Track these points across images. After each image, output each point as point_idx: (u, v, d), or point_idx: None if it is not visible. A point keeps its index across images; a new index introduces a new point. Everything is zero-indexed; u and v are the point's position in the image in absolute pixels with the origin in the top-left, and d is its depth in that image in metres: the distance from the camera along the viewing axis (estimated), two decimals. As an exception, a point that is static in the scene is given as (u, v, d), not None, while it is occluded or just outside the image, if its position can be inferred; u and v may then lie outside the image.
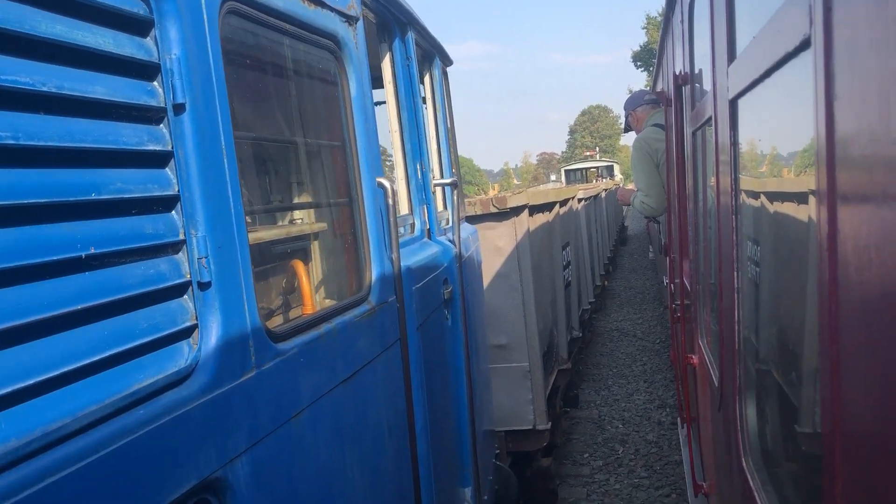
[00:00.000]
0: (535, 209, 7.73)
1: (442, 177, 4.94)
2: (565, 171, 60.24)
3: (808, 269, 1.57)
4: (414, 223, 4.02)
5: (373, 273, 2.84)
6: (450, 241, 4.36)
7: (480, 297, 5.47)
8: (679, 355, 5.45)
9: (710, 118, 2.80)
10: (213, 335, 1.77)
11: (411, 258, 3.52)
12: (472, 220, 7.03)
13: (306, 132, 3.15)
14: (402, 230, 3.94)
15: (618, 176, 55.57)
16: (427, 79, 4.89)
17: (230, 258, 1.84)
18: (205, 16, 1.85)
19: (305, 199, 3.18)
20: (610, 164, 60.76)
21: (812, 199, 1.39)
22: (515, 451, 7.21)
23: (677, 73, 4.33)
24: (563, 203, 10.02)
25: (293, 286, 2.78)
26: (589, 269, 13.32)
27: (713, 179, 2.83)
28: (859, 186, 1.05)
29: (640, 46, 66.00)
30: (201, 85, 1.80)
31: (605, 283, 17.95)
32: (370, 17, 3.81)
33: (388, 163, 3.86)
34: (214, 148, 1.83)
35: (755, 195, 2.32)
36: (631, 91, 64.05)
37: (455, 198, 4.26)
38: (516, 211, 7.07)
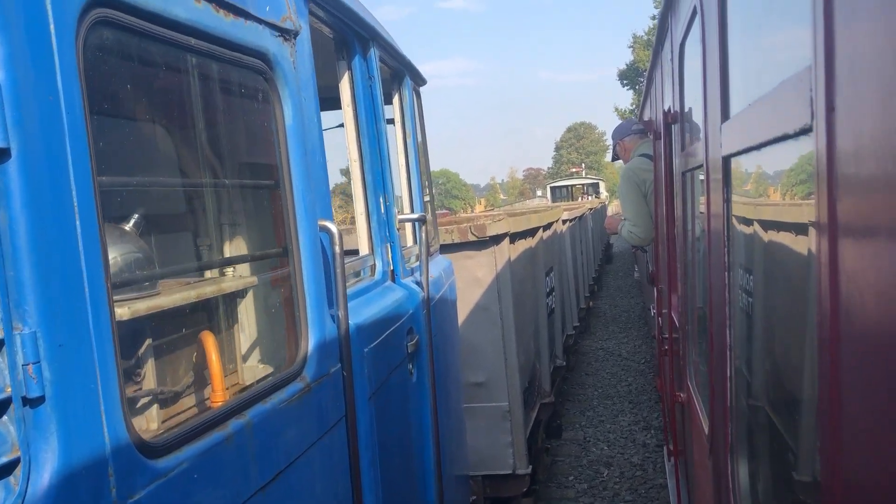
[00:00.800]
0: (516, 236, 7.26)
1: (412, 207, 4.44)
2: (551, 188, 59.79)
3: (805, 322, 1.53)
4: (375, 265, 3.52)
5: (310, 340, 2.33)
6: (417, 283, 3.85)
7: (454, 337, 4.96)
8: (666, 389, 5.39)
9: (701, 165, 2.76)
10: (46, 469, 1.25)
11: (367, 311, 3.02)
12: (450, 248, 6.54)
13: (222, 171, 2.64)
14: (361, 273, 3.44)
15: (603, 193, 55.24)
16: (396, 99, 4.40)
17: (80, 357, 1.33)
18: (51, 26, 1.35)
19: (219, 253, 2.66)
20: (595, 181, 60.41)
21: (813, 262, 1.32)
22: (493, 496, 6.69)
23: (667, 109, 4.34)
24: (547, 227, 9.56)
25: (197, 369, 2.26)
26: (573, 293, 12.86)
27: (705, 229, 2.77)
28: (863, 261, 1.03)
29: (627, 65, 66.22)
30: (40, 121, 1.30)
31: (591, 304, 17.53)
32: (325, 31, 3.32)
33: (342, 197, 3.34)
34: (60, 204, 1.33)
35: (748, 252, 2.25)
36: (617, 110, 64.13)
37: (423, 235, 3.76)
38: (496, 239, 6.59)
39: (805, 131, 1.29)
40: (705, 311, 2.91)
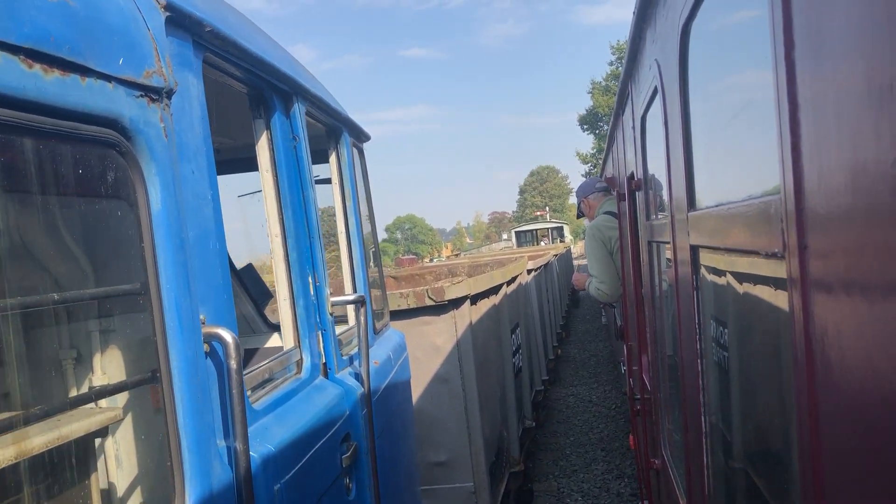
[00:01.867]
0: (478, 297, 6.70)
1: (354, 280, 3.87)
2: (516, 232, 59.67)
3: (783, 406, 1.49)
4: (302, 360, 2.93)
5: (188, 497, 1.72)
6: (357, 375, 3.26)
7: (406, 426, 4.35)
8: (640, 452, 5.34)
9: (668, 242, 2.71)
10: None
11: (285, 426, 2.42)
12: (406, 314, 5.97)
13: (53, 280, 2.04)
14: (285, 372, 2.84)
15: (567, 237, 55.19)
16: (333, 159, 3.86)
17: None
18: None
19: (62, 392, 2.03)
20: (560, 224, 60.45)
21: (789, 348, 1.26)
22: (460, 587, 6.01)
23: (630, 175, 4.32)
24: (511, 282, 9.04)
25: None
26: (541, 345, 12.32)
27: (675, 313, 2.71)
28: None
29: (587, 111, 67.04)
30: None
31: (559, 351, 17.03)
32: (237, 87, 2.78)
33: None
34: None
35: (720, 336, 2.20)
36: (578, 154, 65.09)
37: (362, 319, 3.18)
38: (456, 303, 6.03)
39: (776, 256, 1.28)
40: (678, 395, 2.81)
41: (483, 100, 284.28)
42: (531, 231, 57.51)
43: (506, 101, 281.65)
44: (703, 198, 2.16)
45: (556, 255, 19.31)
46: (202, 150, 2.13)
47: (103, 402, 1.95)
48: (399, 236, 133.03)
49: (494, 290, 7.63)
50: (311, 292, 3.05)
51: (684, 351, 2.53)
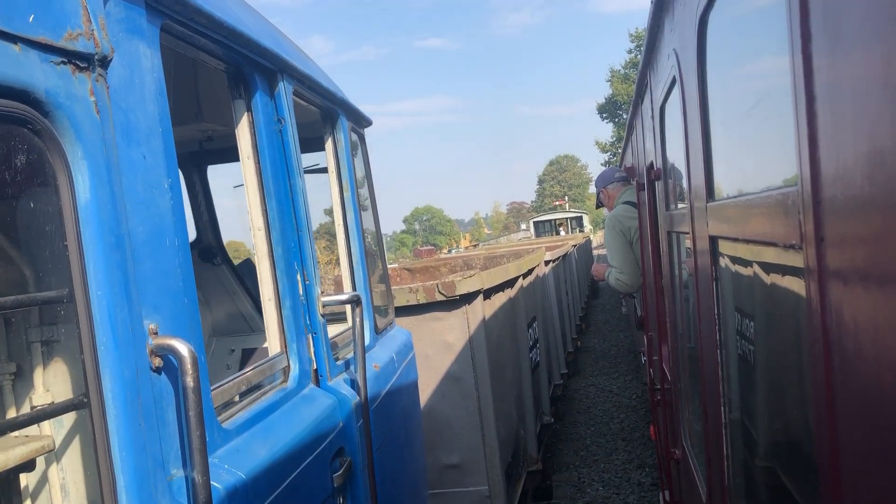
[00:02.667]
0: (492, 291, 6.38)
1: (353, 277, 3.56)
2: (534, 222, 59.00)
3: (803, 398, 1.47)
4: (289, 367, 2.62)
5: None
6: (351, 382, 2.96)
7: (413, 432, 4.04)
8: (661, 442, 5.24)
9: (687, 233, 2.71)
10: None
11: (265, 445, 2.12)
12: (415, 310, 5.66)
13: None
14: (270, 381, 2.54)
15: (587, 227, 54.49)
16: (329, 145, 3.54)
17: None
18: None
19: None
20: (579, 214, 59.64)
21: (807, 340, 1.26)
22: None
23: (649, 165, 4.30)
24: (528, 274, 8.69)
25: None
26: (560, 339, 11.98)
27: (695, 305, 2.72)
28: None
29: (605, 99, 66.22)
30: None
31: (579, 343, 16.70)
32: (212, 63, 2.47)
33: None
34: None
35: (740, 327, 2.18)
36: (598, 143, 64.55)
37: (358, 321, 2.87)
38: (468, 298, 5.71)
39: (794, 247, 1.28)
40: (698, 385, 2.80)
41: (500, 90, 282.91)
42: (550, 221, 56.87)
43: (523, 91, 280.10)
44: (722, 188, 2.16)
45: (574, 246, 18.90)
46: (157, 132, 1.82)
47: (32, 430, 1.66)
48: (417, 227, 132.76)
49: (509, 283, 7.29)
50: (300, 291, 2.75)
51: (704, 342, 2.51)
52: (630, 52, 63.74)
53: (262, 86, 2.66)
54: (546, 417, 9.25)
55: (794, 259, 1.36)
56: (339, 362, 2.99)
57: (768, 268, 1.77)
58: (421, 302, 5.63)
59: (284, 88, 2.78)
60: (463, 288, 5.60)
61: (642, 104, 5.11)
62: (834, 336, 1.09)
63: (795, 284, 1.43)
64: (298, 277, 2.75)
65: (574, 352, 14.70)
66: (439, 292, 5.61)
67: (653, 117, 4.05)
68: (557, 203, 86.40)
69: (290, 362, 2.63)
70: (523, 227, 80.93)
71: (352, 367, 3.02)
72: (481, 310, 5.88)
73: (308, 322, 2.76)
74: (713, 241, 2.22)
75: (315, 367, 2.78)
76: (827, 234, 1.10)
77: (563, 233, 48.05)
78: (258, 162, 2.63)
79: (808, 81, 1.13)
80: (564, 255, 14.66)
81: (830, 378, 1.12)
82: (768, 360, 1.93)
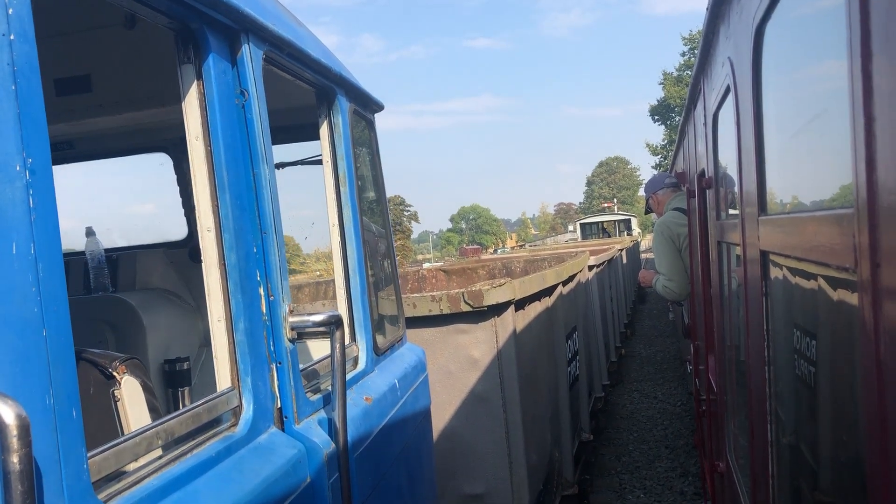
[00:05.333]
0: (525, 301, 5.72)
1: (348, 287, 2.95)
2: (581, 224, 57.71)
3: (853, 411, 1.44)
4: (241, 407, 2.03)
5: None
6: (329, 423, 2.35)
7: (419, 472, 3.41)
8: (706, 454, 5.22)
9: (738, 244, 2.67)
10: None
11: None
12: (438, 321, 5.05)
13: None
14: (213, 427, 1.94)
15: (635, 230, 53.05)
16: (324, 130, 2.94)
17: None
18: None
19: None
20: (627, 217, 58.12)
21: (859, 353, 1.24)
22: None
23: (700, 173, 4.35)
24: (568, 281, 8.00)
25: None
26: (602, 348, 11.24)
27: (743, 318, 2.64)
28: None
29: (658, 101, 64.70)
30: None
31: (623, 351, 15.95)
32: (152, 18, 1.89)
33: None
34: None
35: (790, 344, 2.08)
36: (648, 145, 63.68)
37: (338, 345, 2.26)
38: (497, 309, 5.07)
39: (847, 269, 1.27)
40: (744, 400, 2.76)
41: (548, 91, 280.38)
42: (597, 223, 55.57)
43: (571, 91, 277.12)
44: (775, 202, 2.15)
45: (621, 250, 18.04)
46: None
47: None
48: (464, 226, 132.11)
49: (546, 291, 6.62)
50: (263, 309, 2.15)
51: (751, 357, 2.49)
52: (683, 54, 62.16)
53: (217, 48, 2.07)
54: (585, 435, 8.57)
55: (847, 281, 1.33)
56: (315, 397, 2.38)
57: (821, 285, 1.70)
58: (444, 312, 5.01)
59: (250, 53, 2.18)
60: (492, 298, 4.97)
61: (695, 110, 5.08)
62: (887, 360, 1.06)
63: (849, 304, 1.38)
64: (261, 291, 2.15)
65: (618, 361, 13.96)
66: (465, 302, 4.98)
67: (705, 124, 4.04)
68: (606, 205, 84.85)
69: (243, 401, 2.04)
70: (570, 228, 79.67)
71: (334, 404, 2.42)
72: (512, 322, 5.24)
73: (272, 348, 2.16)
74: (764, 255, 2.18)
75: (279, 405, 2.18)
76: (883, 259, 1.07)
77: (600, 237, 46.83)
78: (209, 144, 2.04)
79: (868, 102, 1.09)
80: (610, 260, 13.88)
81: (884, 401, 1.09)
82: (819, 380, 1.87)
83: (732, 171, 2.81)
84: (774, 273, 2.18)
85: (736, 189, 2.68)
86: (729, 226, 3.17)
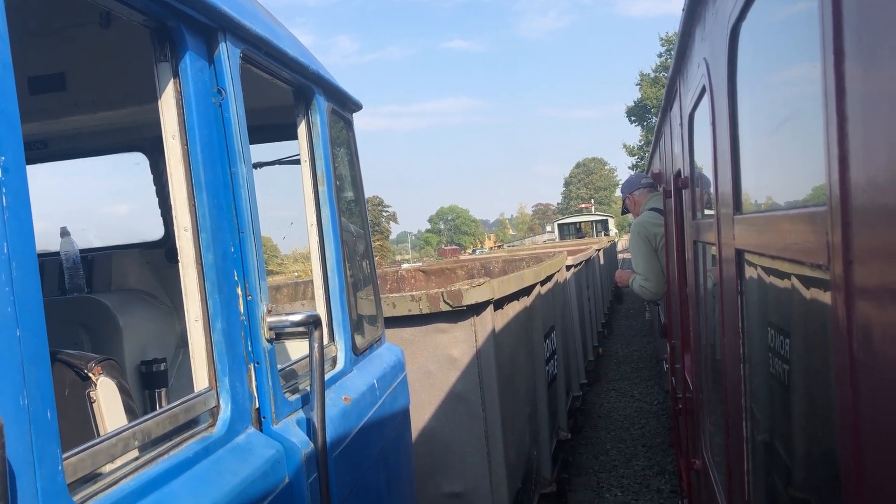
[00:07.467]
0: (504, 300, 5.73)
1: (327, 287, 2.94)
2: (558, 224, 57.92)
3: (828, 408, 1.42)
4: (218, 407, 2.01)
5: None
6: (307, 423, 2.34)
7: (397, 472, 3.41)
8: (681, 451, 5.25)
9: (713, 244, 2.68)
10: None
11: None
12: (417, 320, 5.04)
13: None
14: (191, 427, 1.93)
15: (612, 231, 53.38)
16: (302, 129, 2.93)
17: None
18: None
19: None
20: (604, 217, 58.45)
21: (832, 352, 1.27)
22: None
23: (676, 173, 4.35)
24: (546, 280, 8.03)
25: None
26: (580, 348, 11.30)
27: (719, 317, 2.68)
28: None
29: (634, 102, 65.15)
30: None
31: (601, 350, 16.04)
32: (129, 16, 1.87)
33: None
34: None
35: (764, 342, 2.10)
36: (626, 146, 64.07)
37: (317, 345, 2.25)
38: (476, 308, 5.07)
39: (820, 267, 1.28)
40: (720, 398, 2.79)
41: (526, 93, 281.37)
42: (575, 224, 55.83)
43: (548, 93, 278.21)
44: (750, 202, 2.16)
45: (599, 250, 18.14)
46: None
47: None
48: (442, 227, 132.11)
49: (525, 291, 6.64)
50: (240, 309, 2.13)
51: (727, 355, 2.51)
52: (660, 55, 62.65)
53: (194, 46, 2.05)
54: (563, 433, 8.60)
55: (821, 279, 1.34)
56: (294, 397, 2.36)
57: (795, 283, 1.71)
58: (424, 312, 5.01)
59: (227, 52, 2.17)
60: (471, 297, 4.97)
61: (671, 111, 5.07)
62: (860, 357, 1.07)
63: (823, 302, 1.38)
64: (238, 291, 2.14)
65: (595, 360, 14.03)
66: (444, 301, 4.98)
67: (681, 125, 4.03)
68: (583, 205, 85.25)
69: (221, 401, 2.02)
70: (548, 228, 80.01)
71: (313, 403, 2.40)
72: (491, 321, 5.25)
73: (250, 349, 2.15)
74: (739, 253, 2.19)
75: (257, 405, 2.17)
76: (855, 256, 1.07)
77: (574, 237, 47.03)
78: (185, 143, 2.02)
79: (840, 101, 1.10)
80: (588, 260, 13.95)
81: (857, 398, 1.10)
82: (793, 377, 1.87)
83: (708, 171, 2.82)
84: (749, 272, 2.18)
85: (711, 189, 2.69)
86: (704, 225, 3.18)
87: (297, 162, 2.96)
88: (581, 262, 12.46)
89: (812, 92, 1.26)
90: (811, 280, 1.52)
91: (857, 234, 1.07)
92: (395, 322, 4.92)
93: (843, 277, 1.12)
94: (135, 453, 1.71)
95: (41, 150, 4.17)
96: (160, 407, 3.48)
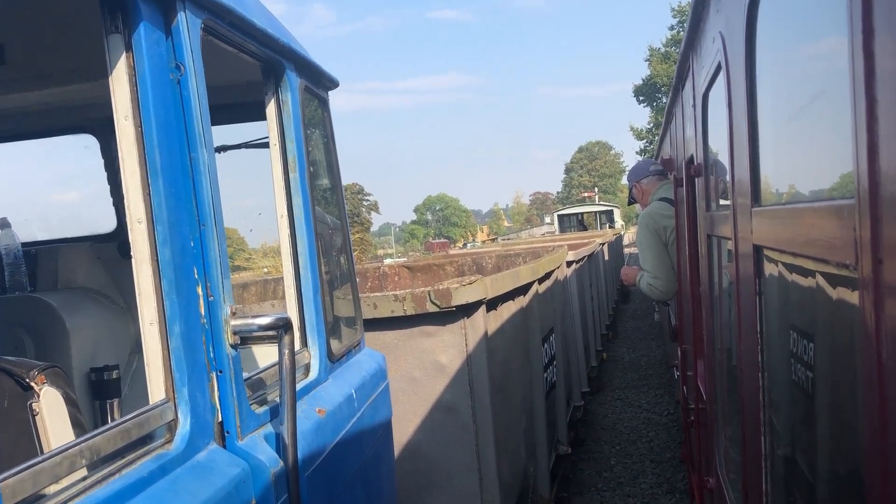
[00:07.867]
0: (498, 300, 5.75)
1: (299, 285, 2.94)
2: (558, 216, 58.09)
3: (854, 423, 1.43)
4: (176, 421, 2.00)
5: None
6: (277, 438, 2.33)
7: (381, 488, 3.41)
8: (694, 467, 5.29)
9: (729, 238, 2.71)
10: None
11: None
12: (402, 322, 5.05)
13: None
14: (145, 443, 1.92)
15: (618, 222, 53.60)
16: (271, 109, 2.92)
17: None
18: None
19: None
20: (609, 208, 58.71)
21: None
22: None
23: (689, 159, 4.40)
24: (545, 278, 8.06)
25: None
26: (582, 352, 11.37)
27: (736, 319, 2.64)
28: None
29: (643, 80, 65.39)
30: None
31: (605, 355, 16.16)
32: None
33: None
34: None
35: (786, 347, 2.11)
36: (633, 129, 64.23)
37: (287, 352, 2.24)
38: (467, 309, 5.08)
39: (847, 266, 1.28)
40: (737, 408, 2.80)
41: (522, 68, 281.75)
42: (576, 215, 56.05)
43: (547, 69, 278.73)
44: (769, 192, 2.17)
45: (603, 244, 18.22)
46: None
47: None
48: (430, 218, 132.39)
49: (521, 290, 6.67)
50: (201, 311, 2.12)
51: (744, 361, 2.52)
52: (672, 28, 62.87)
53: (149, 16, 2.04)
54: (562, 447, 8.66)
55: (848, 276, 1.35)
56: (261, 410, 2.36)
57: (819, 283, 1.72)
58: (408, 313, 5.01)
59: (187, 22, 2.15)
60: (461, 297, 4.98)
61: (683, 90, 5.06)
62: (890, 364, 1.08)
63: (850, 304, 1.39)
64: (199, 291, 2.13)
65: (598, 366, 14.13)
66: (431, 302, 4.99)
67: (694, 106, 4.01)
68: (586, 195, 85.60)
69: (179, 414, 2.01)
70: (547, 220, 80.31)
71: (283, 416, 2.40)
72: (483, 323, 5.26)
73: (211, 355, 2.14)
74: (757, 250, 2.18)
75: (220, 419, 2.16)
76: (886, 255, 1.08)
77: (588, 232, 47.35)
78: (140, 125, 2.00)
79: (870, 81, 1.09)
80: (591, 255, 14.02)
81: (886, 410, 1.10)
82: (817, 386, 1.88)
83: (723, 158, 2.83)
84: (769, 270, 2.18)
85: (727, 177, 2.70)
86: (719, 217, 3.18)
87: (266, 145, 2.96)
88: (583, 258, 12.54)
89: (839, 71, 1.25)
90: (837, 279, 1.52)
91: (887, 229, 1.07)
92: (375, 325, 4.92)
93: (872, 277, 1.12)
94: (83, 472, 1.70)
95: (-23, 131, 4.14)
96: (112, 420, 3.47)
